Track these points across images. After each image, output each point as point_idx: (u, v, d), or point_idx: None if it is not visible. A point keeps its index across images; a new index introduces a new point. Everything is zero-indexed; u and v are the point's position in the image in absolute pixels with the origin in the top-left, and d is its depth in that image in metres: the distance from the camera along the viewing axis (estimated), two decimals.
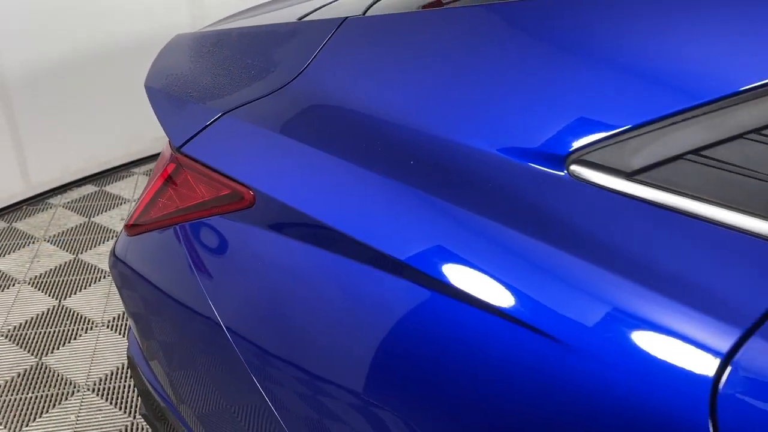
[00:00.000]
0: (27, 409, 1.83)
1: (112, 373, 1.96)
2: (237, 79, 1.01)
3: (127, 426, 1.78)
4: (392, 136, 0.81)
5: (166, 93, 1.05)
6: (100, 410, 1.83)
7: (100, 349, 2.05)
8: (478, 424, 0.68)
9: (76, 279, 2.39)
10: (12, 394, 1.87)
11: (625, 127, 0.67)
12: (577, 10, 0.75)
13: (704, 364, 0.57)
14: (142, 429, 1.76)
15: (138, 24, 3.05)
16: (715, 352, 0.57)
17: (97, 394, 1.88)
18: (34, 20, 2.72)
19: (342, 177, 0.82)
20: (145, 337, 1.17)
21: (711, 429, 0.57)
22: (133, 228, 1.09)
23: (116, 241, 1.18)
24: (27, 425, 1.78)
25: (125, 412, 1.82)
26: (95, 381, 1.93)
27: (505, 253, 0.68)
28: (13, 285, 2.36)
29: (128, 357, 1.33)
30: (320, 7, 1.12)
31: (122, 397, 1.86)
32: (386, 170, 0.79)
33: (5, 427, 1.77)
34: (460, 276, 0.69)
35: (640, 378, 0.60)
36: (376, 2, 1.02)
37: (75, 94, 2.91)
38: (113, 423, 1.79)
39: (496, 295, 0.67)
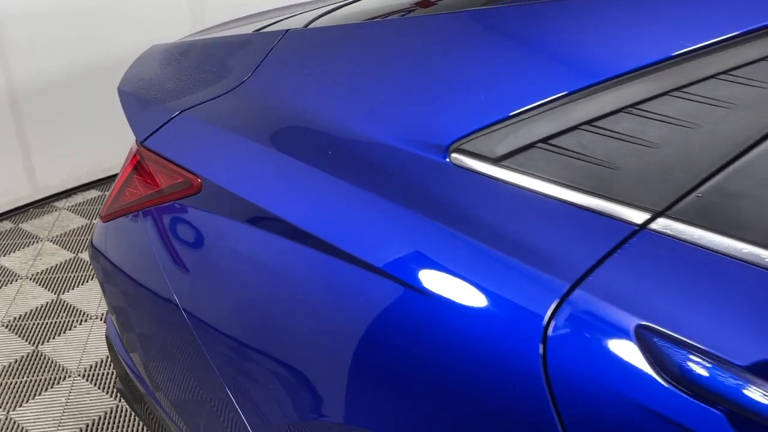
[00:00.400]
0: (22, 391, 1.97)
1: (102, 361, 2.09)
2: (195, 83, 1.15)
3: (112, 408, 1.91)
4: (315, 130, 0.95)
5: (135, 95, 1.20)
6: (89, 394, 1.97)
7: (93, 340, 2.19)
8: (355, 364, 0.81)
9: (74, 276, 2.53)
10: (8, 378, 2.02)
11: (491, 122, 0.80)
12: (454, 33, 0.89)
13: (540, 309, 0.70)
14: (126, 411, 1.89)
15: (144, 34, 3.22)
16: (548, 300, 0.70)
17: (87, 380, 2.02)
18: (44, 29, 2.89)
19: (272, 165, 0.95)
20: (118, 319, 1.30)
21: (542, 366, 0.69)
22: (105, 216, 1.23)
23: (93, 232, 1.32)
24: (21, 405, 1.92)
25: (112, 396, 1.95)
26: (86, 368, 2.07)
27: (391, 223, 0.81)
28: (16, 280, 2.51)
29: (106, 337, 1.46)
30: (282, 19, 1.27)
31: (110, 383, 2.00)
32: (308, 159, 0.92)
33: (1, 408, 1.91)
34: (354, 241, 0.82)
35: (488, 323, 0.72)
36: (319, 18, 1.16)
37: (81, 102, 3.09)
38: (100, 406, 1.92)
39: (377, 254, 0.80)
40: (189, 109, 1.09)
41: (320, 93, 0.98)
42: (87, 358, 2.11)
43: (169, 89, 1.17)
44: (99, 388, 1.98)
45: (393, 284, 0.78)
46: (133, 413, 1.74)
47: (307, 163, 0.92)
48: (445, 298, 0.75)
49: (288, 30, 1.10)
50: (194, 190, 1.03)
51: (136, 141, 1.15)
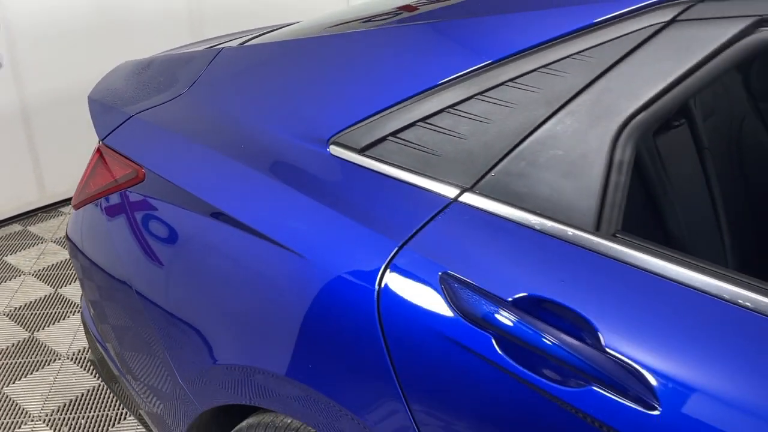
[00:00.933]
0: (16, 371, 2.19)
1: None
2: (149, 92, 1.37)
3: (94, 387, 2.12)
4: (233, 128, 1.16)
5: (100, 102, 1.42)
6: (75, 374, 2.18)
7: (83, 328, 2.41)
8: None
9: (73, 273, 2.77)
10: (5, 359, 2.24)
11: (359, 119, 1.01)
12: (335, 53, 1.11)
13: (377, 262, 0.89)
14: (105, 390, 2.10)
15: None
16: (384, 254, 0.89)
17: (74, 362, 2.24)
18: (53, 49, 3.16)
19: (199, 157, 1.17)
20: (89, 300, 1.51)
21: (376, 304, 0.89)
22: (76, 205, 1.45)
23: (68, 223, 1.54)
24: (14, 383, 2.14)
25: (94, 377, 2.16)
26: (74, 352, 2.29)
27: (282, 201, 1.02)
28: (19, 276, 2.75)
29: (81, 317, 1.67)
30: (229, 41, 1.49)
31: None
32: (226, 151, 1.13)
33: None
34: (254, 216, 1.03)
35: (342, 274, 0.92)
36: (255, 38, 1.38)
37: (87, 117, 3.34)
38: (83, 384, 2.14)
39: (269, 226, 1.00)
40: (140, 112, 1.31)
41: (239, 99, 1.19)
42: (77, 343, 2.33)
43: (128, 97, 1.39)
44: (84, 369, 2.20)
45: (279, 249, 0.99)
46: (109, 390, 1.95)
47: (225, 155, 1.13)
48: (316, 257, 0.95)
49: (224, 48, 1.32)
50: (139, 179, 1.24)
51: (99, 139, 1.37)
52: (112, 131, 1.33)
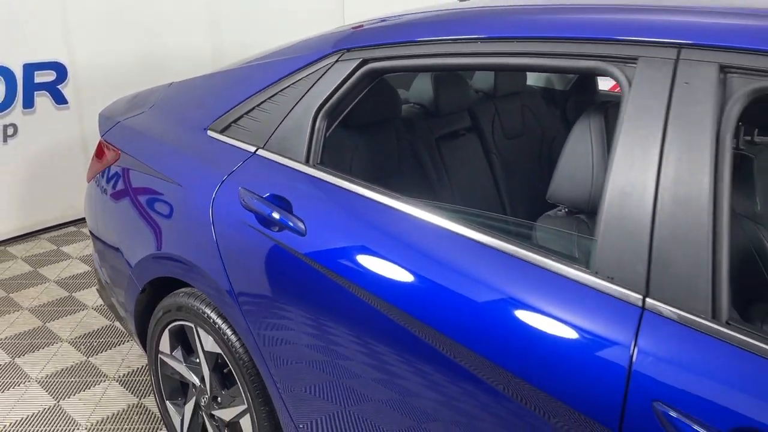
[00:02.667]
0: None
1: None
2: (130, 109, 2.24)
3: (133, 404, 2.93)
4: (167, 126, 2.01)
5: (104, 115, 2.31)
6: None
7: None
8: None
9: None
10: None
11: (217, 116, 1.84)
12: (219, 79, 1.96)
13: (213, 187, 1.71)
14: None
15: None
16: (217, 182, 1.71)
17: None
18: (109, 77, 4.17)
19: (149, 142, 2.02)
20: (94, 248, 2.36)
21: (210, 213, 1.69)
22: (88, 179, 2.32)
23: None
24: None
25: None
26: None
27: (187, 162, 1.86)
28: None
29: (95, 270, 2.52)
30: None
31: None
32: (162, 138, 1.98)
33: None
34: (178, 175, 1.87)
35: (196, 195, 1.74)
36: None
37: None
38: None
39: (173, 173, 1.84)
40: (123, 120, 2.19)
41: (172, 111, 2.05)
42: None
43: (119, 112, 2.27)
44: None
45: (175, 185, 1.81)
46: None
47: (161, 140, 1.98)
48: (188, 185, 1.78)
49: (173, 82, 2.19)
50: (117, 158, 2.10)
51: (100, 136, 2.25)
52: (107, 131, 2.21)
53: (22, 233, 3.92)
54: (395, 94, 2.03)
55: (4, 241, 3.85)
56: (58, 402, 2.46)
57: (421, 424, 1.32)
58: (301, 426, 1.63)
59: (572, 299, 1.11)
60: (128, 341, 2.87)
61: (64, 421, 2.36)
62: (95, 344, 2.86)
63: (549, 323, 1.11)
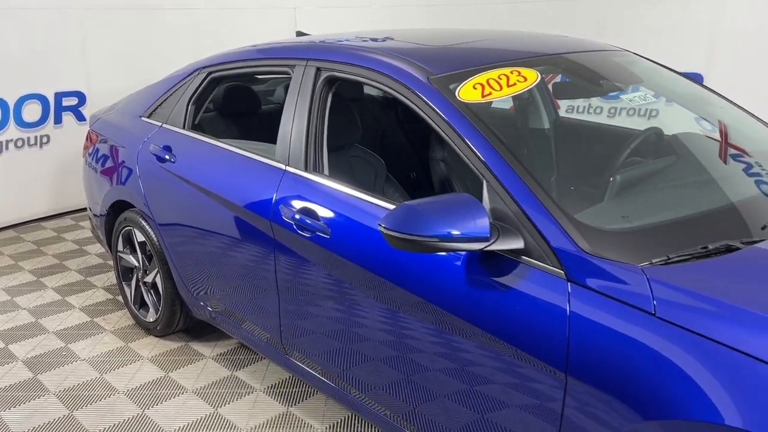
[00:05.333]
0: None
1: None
2: (109, 110, 3.69)
3: (283, 413, 4.37)
4: (123, 117, 3.45)
5: (93, 115, 3.77)
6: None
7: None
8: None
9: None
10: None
11: (146, 108, 3.27)
12: (155, 87, 3.40)
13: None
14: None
15: None
16: (142, 140, 3.13)
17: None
18: None
19: (112, 126, 3.46)
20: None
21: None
22: (83, 156, 3.77)
23: None
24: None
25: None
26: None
27: (129, 136, 3.29)
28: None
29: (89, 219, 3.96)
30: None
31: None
32: (120, 123, 3.43)
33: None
34: (119, 141, 3.31)
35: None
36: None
37: None
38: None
39: (121, 142, 3.28)
40: (103, 115, 3.64)
41: (128, 108, 3.48)
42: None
43: (102, 111, 3.72)
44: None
45: (121, 148, 3.24)
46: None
47: (119, 123, 3.41)
48: (126, 144, 3.21)
49: (134, 91, 3.64)
50: (96, 140, 3.55)
51: (89, 127, 3.70)
52: (93, 124, 3.66)
53: (53, 213, 5.40)
54: (254, 95, 3.41)
55: (40, 218, 5.33)
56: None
57: (250, 277, 2.66)
58: (182, 276, 2.99)
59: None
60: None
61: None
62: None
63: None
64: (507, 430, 1.73)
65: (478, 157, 1.82)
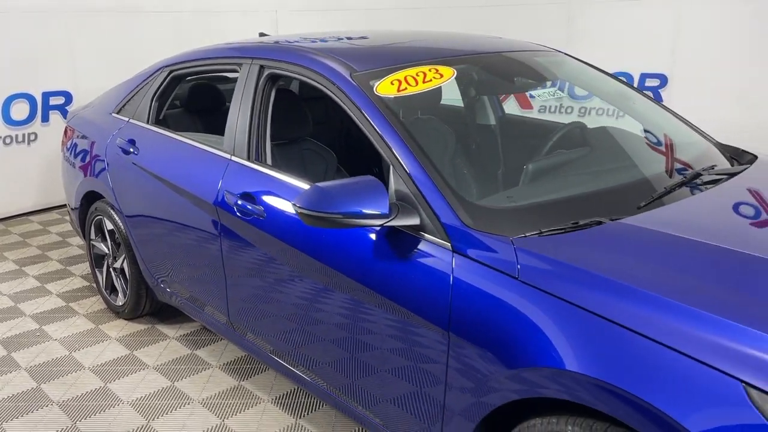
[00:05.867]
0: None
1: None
2: (85, 107, 3.92)
3: (290, 425, 4.60)
4: (96, 113, 3.68)
5: (70, 111, 4.00)
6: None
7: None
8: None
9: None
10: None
11: (115, 106, 3.49)
12: (128, 83, 3.63)
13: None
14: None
15: None
16: (114, 130, 3.36)
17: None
18: None
19: (85, 121, 3.69)
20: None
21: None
22: (61, 150, 4.00)
23: None
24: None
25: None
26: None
27: (99, 130, 3.52)
28: (48, 234, 5.32)
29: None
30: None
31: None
32: (92, 118, 3.66)
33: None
34: (91, 134, 3.54)
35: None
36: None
37: None
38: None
39: (93, 134, 3.51)
40: (79, 112, 3.87)
41: (101, 104, 3.71)
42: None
43: (79, 108, 3.95)
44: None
45: (92, 141, 3.47)
46: None
47: (91, 118, 3.64)
48: (95, 138, 3.44)
49: (111, 88, 3.87)
50: (73, 134, 3.78)
51: (66, 123, 3.93)
52: (69, 120, 3.89)
53: (40, 208, 5.63)
54: (219, 93, 3.62)
55: (28, 213, 5.56)
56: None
57: (202, 261, 2.88)
58: (146, 261, 3.20)
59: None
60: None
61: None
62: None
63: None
64: (411, 382, 1.94)
65: (387, 145, 2.03)
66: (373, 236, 1.99)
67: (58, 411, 2.77)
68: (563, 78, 2.83)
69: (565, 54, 2.98)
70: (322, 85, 2.32)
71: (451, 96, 2.91)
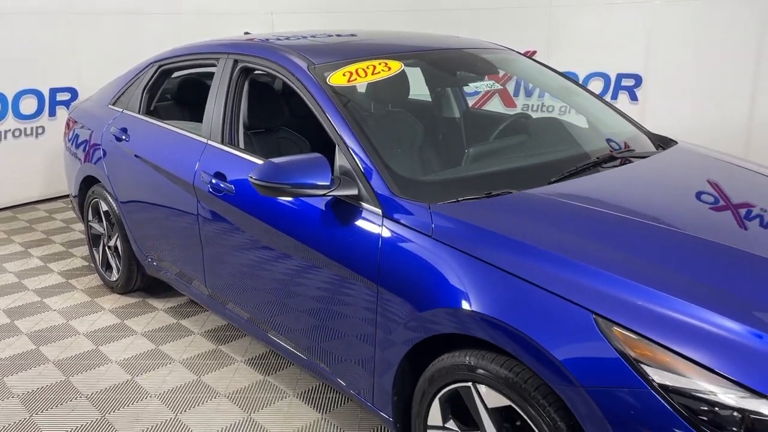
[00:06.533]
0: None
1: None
2: (86, 100, 4.26)
3: (317, 419, 4.95)
4: (94, 105, 4.01)
5: (72, 104, 4.34)
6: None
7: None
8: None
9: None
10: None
11: (111, 98, 3.83)
12: (123, 77, 3.96)
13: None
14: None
15: None
16: (108, 122, 3.69)
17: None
18: None
19: (86, 113, 4.03)
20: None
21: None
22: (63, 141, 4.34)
23: None
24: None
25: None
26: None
27: (98, 120, 3.86)
28: (53, 220, 5.67)
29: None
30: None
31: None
32: (92, 110, 4.00)
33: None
34: (90, 125, 3.88)
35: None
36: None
37: None
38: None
39: (92, 126, 3.85)
40: (80, 104, 4.21)
41: (99, 98, 4.05)
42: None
43: (80, 101, 4.29)
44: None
45: (90, 131, 3.81)
46: None
47: (91, 111, 3.98)
48: (92, 128, 3.77)
49: (108, 83, 4.21)
50: (74, 125, 4.12)
51: (68, 114, 4.27)
52: (71, 112, 4.23)
53: (47, 197, 5.98)
54: (206, 87, 3.94)
55: (35, 201, 5.91)
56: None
57: (183, 237, 3.20)
58: (136, 239, 3.53)
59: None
60: None
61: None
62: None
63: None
64: (353, 334, 2.24)
65: (333, 126, 2.34)
66: (322, 206, 2.30)
67: (53, 368, 3.10)
68: (512, 73, 3.13)
69: (517, 52, 3.28)
70: (284, 76, 2.63)
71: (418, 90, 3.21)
